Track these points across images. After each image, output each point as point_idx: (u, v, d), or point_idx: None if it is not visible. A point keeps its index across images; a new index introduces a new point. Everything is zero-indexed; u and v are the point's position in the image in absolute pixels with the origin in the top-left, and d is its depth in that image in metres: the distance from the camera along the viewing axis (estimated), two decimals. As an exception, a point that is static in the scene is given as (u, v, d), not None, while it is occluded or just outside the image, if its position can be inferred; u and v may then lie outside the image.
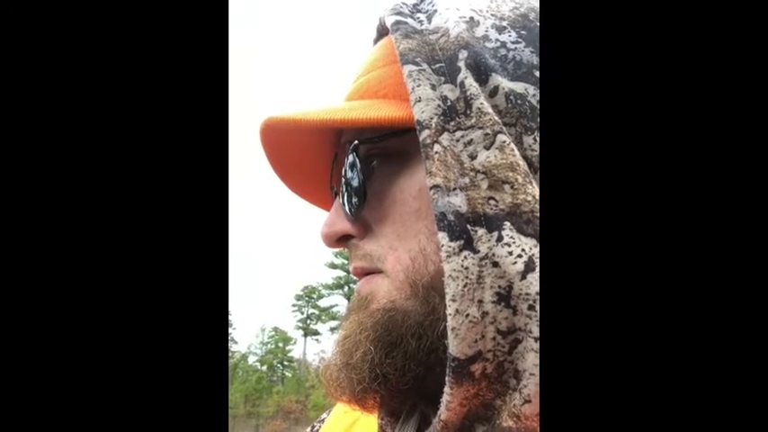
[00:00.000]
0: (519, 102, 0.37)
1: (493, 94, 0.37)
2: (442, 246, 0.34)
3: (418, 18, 0.42)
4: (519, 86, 0.38)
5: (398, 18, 0.42)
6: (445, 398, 0.35)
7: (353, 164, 0.42)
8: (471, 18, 0.40)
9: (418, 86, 0.37)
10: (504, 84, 0.37)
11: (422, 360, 0.37)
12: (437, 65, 0.38)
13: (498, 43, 0.39)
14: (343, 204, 0.43)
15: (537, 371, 0.33)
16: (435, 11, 0.41)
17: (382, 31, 0.47)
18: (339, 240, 0.44)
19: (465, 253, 0.34)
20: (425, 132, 0.36)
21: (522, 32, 0.40)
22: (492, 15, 0.40)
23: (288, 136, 0.47)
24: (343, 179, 0.43)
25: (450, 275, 0.34)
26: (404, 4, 0.43)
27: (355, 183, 0.42)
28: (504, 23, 0.40)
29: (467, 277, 0.34)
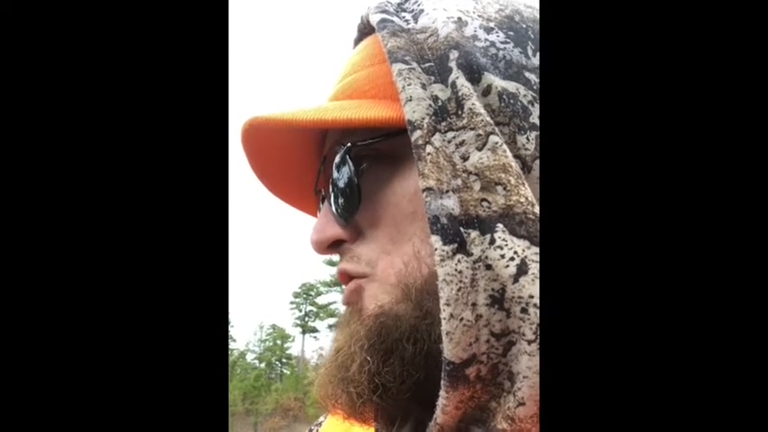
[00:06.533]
0: (512, 101, 0.37)
1: (486, 92, 0.37)
2: (436, 249, 0.34)
3: (404, 17, 0.41)
4: (511, 86, 0.37)
5: (384, 16, 0.41)
6: (441, 401, 0.35)
7: (346, 166, 0.41)
8: (459, 18, 0.39)
9: (408, 85, 0.36)
10: (497, 82, 0.37)
11: (420, 365, 0.37)
12: (426, 64, 0.38)
13: (488, 42, 0.39)
14: (334, 208, 0.42)
15: (530, 373, 0.33)
16: (422, 10, 0.41)
17: (364, 30, 0.46)
18: (330, 246, 0.43)
19: (458, 256, 0.34)
20: (417, 133, 0.35)
21: (510, 33, 0.39)
22: (479, 16, 0.40)
23: (269, 137, 0.45)
24: (335, 182, 0.42)
25: (443, 279, 0.33)
26: (388, 2, 0.43)
27: (348, 186, 0.41)
28: (492, 24, 0.40)
29: (461, 281, 0.33)
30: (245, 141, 0.45)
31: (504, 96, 0.37)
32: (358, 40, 0.47)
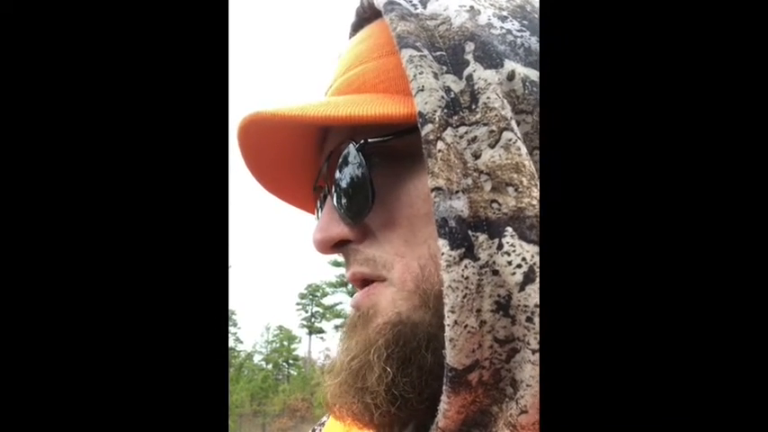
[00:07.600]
0: (534, 89, 0.35)
1: (510, 77, 0.35)
2: (443, 254, 0.33)
3: (411, 1, 0.39)
4: (532, 73, 0.36)
5: None
6: (442, 406, 0.35)
7: (357, 164, 0.39)
8: (472, 7, 0.38)
9: (420, 74, 0.35)
10: (519, 69, 0.36)
11: (439, 375, 0.35)
12: (438, 53, 0.36)
13: (504, 30, 0.37)
14: (339, 207, 0.40)
15: (533, 382, 0.33)
16: None
17: (364, 15, 0.44)
18: (335, 246, 0.41)
19: (465, 262, 0.33)
20: (428, 127, 0.34)
21: (524, 22, 0.38)
22: (491, 5, 0.39)
23: (267, 132, 0.43)
24: (341, 180, 0.40)
25: (449, 286, 0.33)
26: None
27: (359, 185, 0.39)
28: (505, 13, 0.38)
29: (466, 287, 0.33)
30: (243, 137, 0.43)
31: (527, 83, 0.35)
32: (357, 26, 0.45)
